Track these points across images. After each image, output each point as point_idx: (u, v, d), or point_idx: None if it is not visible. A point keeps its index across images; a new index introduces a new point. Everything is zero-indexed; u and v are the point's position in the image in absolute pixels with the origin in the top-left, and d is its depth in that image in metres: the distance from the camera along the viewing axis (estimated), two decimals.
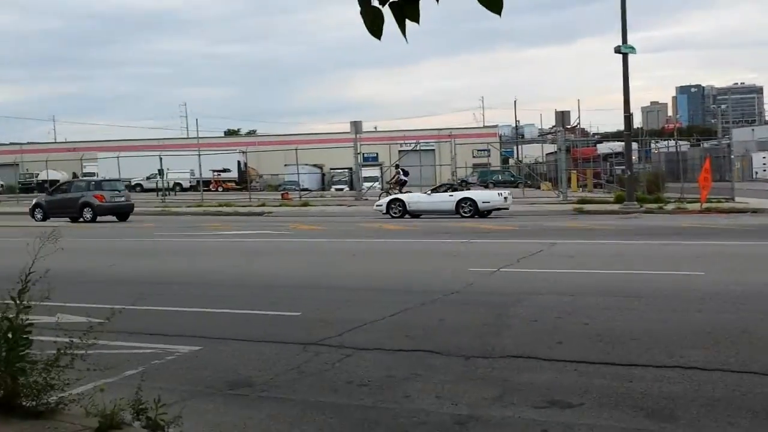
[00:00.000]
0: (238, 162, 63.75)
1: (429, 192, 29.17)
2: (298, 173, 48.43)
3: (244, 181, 59.03)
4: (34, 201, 34.08)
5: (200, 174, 49.92)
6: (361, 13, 2.81)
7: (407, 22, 2.81)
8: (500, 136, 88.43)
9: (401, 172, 40.38)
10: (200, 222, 28.01)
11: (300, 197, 42.79)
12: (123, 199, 31.28)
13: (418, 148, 56.19)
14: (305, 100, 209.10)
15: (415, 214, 27.75)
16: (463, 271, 12.30)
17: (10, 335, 5.50)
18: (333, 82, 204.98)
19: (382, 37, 2.84)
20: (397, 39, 2.85)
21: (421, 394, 5.87)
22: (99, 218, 29.85)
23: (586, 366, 6.51)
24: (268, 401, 5.83)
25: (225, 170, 62.08)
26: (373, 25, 2.80)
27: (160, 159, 46.81)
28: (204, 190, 48.23)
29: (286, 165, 52.85)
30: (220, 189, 59.13)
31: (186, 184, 59.76)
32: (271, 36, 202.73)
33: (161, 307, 9.83)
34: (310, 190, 52.67)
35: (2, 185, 66.84)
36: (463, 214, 26.96)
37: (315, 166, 64.73)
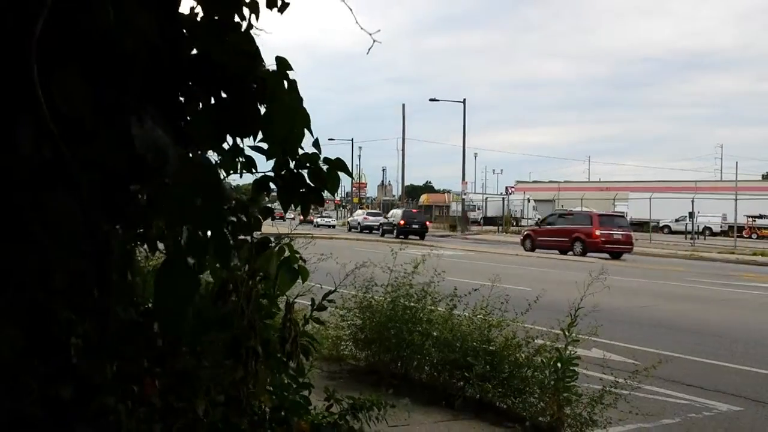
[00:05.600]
0: None
1: None
2: None
3: None
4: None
5: (735, 219, 46.90)
6: None
7: None
8: None
9: None
10: (733, 270, 26.25)
11: None
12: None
13: None
14: None
15: None
16: None
17: (559, 365, 5.83)
18: None
19: None
20: None
21: None
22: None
23: None
24: None
25: (761, 216, 57.26)
26: None
27: (692, 202, 45.37)
28: (736, 237, 45.09)
29: None
30: (753, 236, 54.69)
31: (716, 229, 56.89)
32: None
33: (697, 357, 9.40)
34: None
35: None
36: None
37: None
